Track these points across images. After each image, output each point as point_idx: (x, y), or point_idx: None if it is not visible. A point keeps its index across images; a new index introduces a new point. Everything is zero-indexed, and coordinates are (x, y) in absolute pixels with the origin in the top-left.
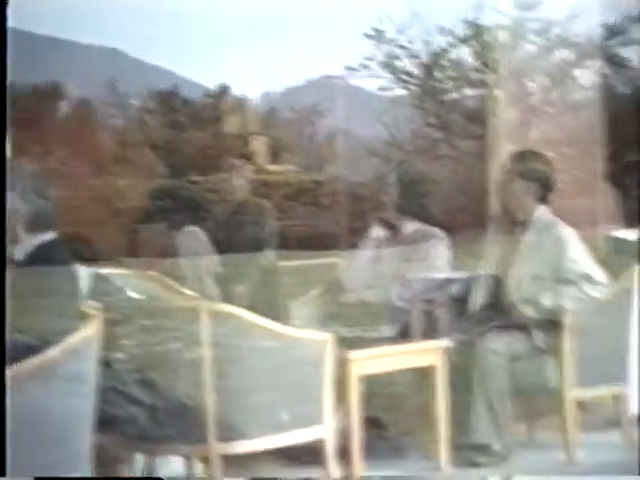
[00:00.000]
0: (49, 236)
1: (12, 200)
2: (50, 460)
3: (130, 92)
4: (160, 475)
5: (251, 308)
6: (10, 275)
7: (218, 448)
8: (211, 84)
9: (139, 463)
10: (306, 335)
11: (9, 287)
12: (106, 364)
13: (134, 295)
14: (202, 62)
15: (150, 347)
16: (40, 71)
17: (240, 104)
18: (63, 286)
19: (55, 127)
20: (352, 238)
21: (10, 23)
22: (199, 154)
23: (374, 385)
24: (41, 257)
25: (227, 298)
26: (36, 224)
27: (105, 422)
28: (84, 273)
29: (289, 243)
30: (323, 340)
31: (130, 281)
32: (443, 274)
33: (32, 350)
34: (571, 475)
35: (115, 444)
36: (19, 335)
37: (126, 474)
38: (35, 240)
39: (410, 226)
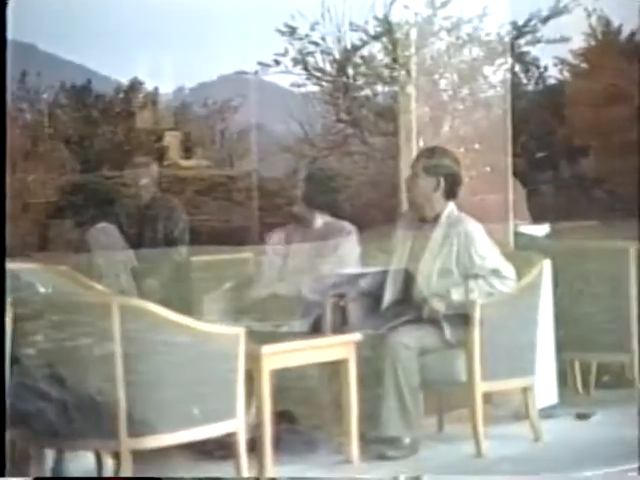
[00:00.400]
0: None
1: None
2: None
3: (41, 86)
4: (70, 470)
5: (163, 303)
6: None
7: (129, 443)
8: (124, 79)
9: (49, 459)
10: (218, 330)
11: None
12: (15, 360)
13: (44, 290)
14: (114, 56)
15: (60, 342)
16: None
17: (153, 99)
18: None
19: None
20: (264, 233)
21: None
22: (113, 149)
23: (286, 379)
24: None
25: (140, 293)
26: None
27: (15, 418)
28: None
29: (201, 238)
30: (235, 335)
31: (40, 276)
32: (353, 269)
33: None
34: (478, 469)
35: (25, 439)
36: None
37: (35, 470)
38: None
39: (320, 220)
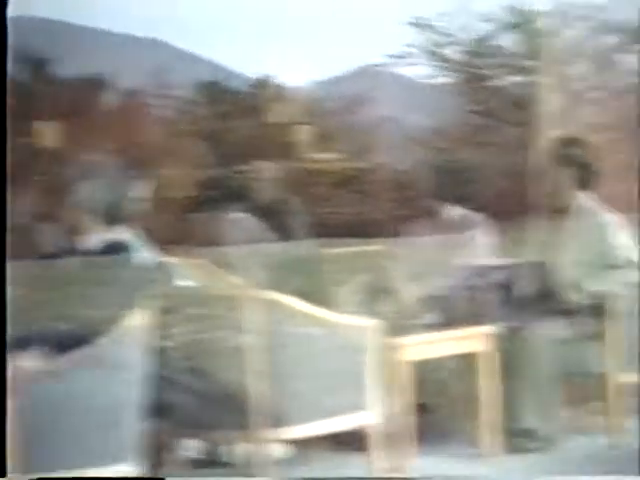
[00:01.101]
0: (124, 230)
1: (84, 191)
2: (98, 447)
3: (174, 83)
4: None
5: (296, 295)
6: (65, 265)
7: (265, 434)
8: (254, 74)
9: (198, 447)
10: (350, 321)
11: (60, 276)
12: (158, 352)
13: (182, 283)
14: (245, 51)
15: (197, 335)
16: (82, 62)
17: (284, 93)
18: (121, 276)
19: (103, 118)
20: (396, 225)
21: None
22: (244, 144)
23: (421, 371)
24: (114, 249)
25: (274, 286)
26: (110, 217)
27: (158, 409)
28: (147, 262)
29: (334, 230)
30: (367, 326)
31: (178, 269)
32: (487, 260)
33: (79, 339)
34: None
35: (168, 430)
36: (63, 323)
37: (176, 460)
38: (109, 234)
39: (453, 212)
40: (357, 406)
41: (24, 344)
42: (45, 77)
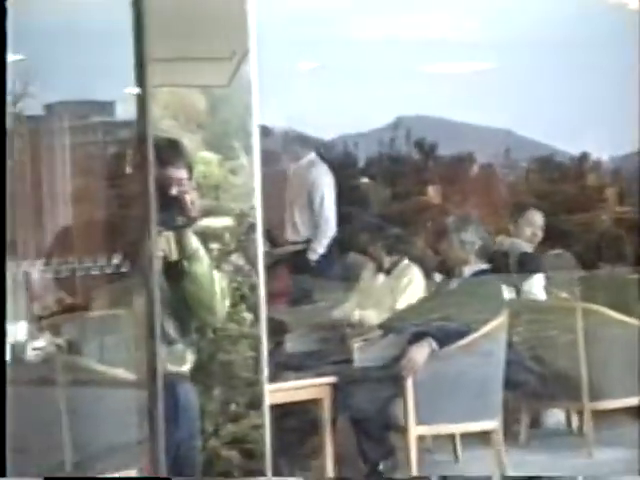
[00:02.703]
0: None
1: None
2: (469, 409)
3: (519, 158)
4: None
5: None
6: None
7: (590, 405)
8: (576, 152)
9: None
10: None
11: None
12: (509, 344)
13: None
14: (568, 134)
15: (537, 333)
16: (456, 145)
17: (597, 165)
18: (488, 292)
19: (469, 184)
20: None
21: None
22: (569, 201)
23: None
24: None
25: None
26: (480, 254)
27: (510, 384)
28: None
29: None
30: None
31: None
32: None
33: (461, 334)
34: None
35: (516, 399)
36: (449, 323)
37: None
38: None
39: None
40: None
41: (419, 338)
42: (433, 157)
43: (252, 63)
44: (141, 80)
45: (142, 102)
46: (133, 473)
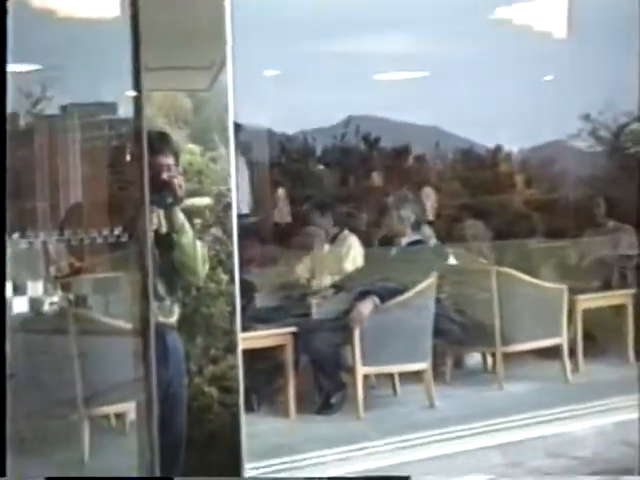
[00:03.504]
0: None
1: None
2: (411, 351)
3: (446, 150)
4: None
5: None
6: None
7: (501, 349)
8: (491, 144)
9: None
10: (550, 285)
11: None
12: (438, 300)
13: (452, 262)
14: (484, 130)
15: (460, 291)
16: (394, 141)
17: (508, 156)
18: (421, 257)
19: (404, 171)
20: (575, 232)
21: None
22: (486, 185)
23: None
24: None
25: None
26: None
27: (438, 332)
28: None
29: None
30: (561, 288)
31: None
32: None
33: (398, 292)
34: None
35: (443, 345)
36: (389, 283)
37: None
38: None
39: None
40: (554, 333)
41: (365, 295)
42: (377, 148)
43: (228, 71)
44: (137, 85)
45: (138, 103)
46: (131, 405)
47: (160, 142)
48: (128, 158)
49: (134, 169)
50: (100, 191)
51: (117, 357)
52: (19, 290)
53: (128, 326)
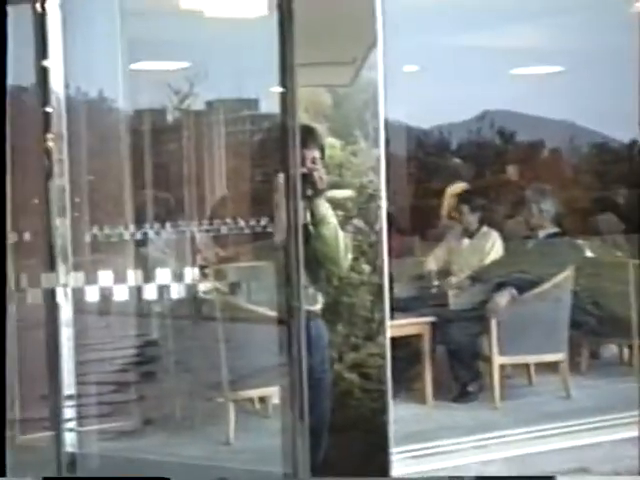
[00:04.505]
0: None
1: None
2: (541, 341)
3: (580, 145)
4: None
5: None
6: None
7: (638, 341)
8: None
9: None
10: None
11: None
12: (574, 293)
13: (590, 255)
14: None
15: (596, 284)
16: (532, 135)
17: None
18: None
19: (540, 164)
20: None
21: None
22: (621, 178)
23: None
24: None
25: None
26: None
27: (574, 324)
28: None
29: None
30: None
31: (586, 247)
32: None
33: (535, 284)
34: None
35: (579, 336)
36: (526, 275)
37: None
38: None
39: None
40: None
41: (502, 287)
42: (512, 143)
43: (379, 67)
44: (285, 81)
45: (285, 99)
46: (275, 390)
47: (305, 134)
48: (273, 151)
49: (276, 162)
50: (244, 183)
51: (261, 343)
52: (175, 277)
53: (272, 313)
